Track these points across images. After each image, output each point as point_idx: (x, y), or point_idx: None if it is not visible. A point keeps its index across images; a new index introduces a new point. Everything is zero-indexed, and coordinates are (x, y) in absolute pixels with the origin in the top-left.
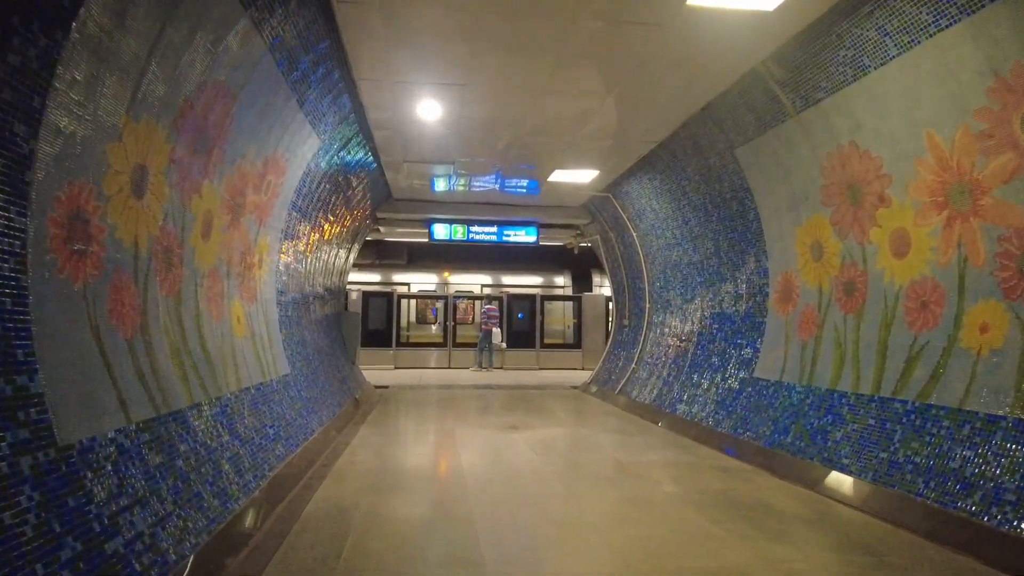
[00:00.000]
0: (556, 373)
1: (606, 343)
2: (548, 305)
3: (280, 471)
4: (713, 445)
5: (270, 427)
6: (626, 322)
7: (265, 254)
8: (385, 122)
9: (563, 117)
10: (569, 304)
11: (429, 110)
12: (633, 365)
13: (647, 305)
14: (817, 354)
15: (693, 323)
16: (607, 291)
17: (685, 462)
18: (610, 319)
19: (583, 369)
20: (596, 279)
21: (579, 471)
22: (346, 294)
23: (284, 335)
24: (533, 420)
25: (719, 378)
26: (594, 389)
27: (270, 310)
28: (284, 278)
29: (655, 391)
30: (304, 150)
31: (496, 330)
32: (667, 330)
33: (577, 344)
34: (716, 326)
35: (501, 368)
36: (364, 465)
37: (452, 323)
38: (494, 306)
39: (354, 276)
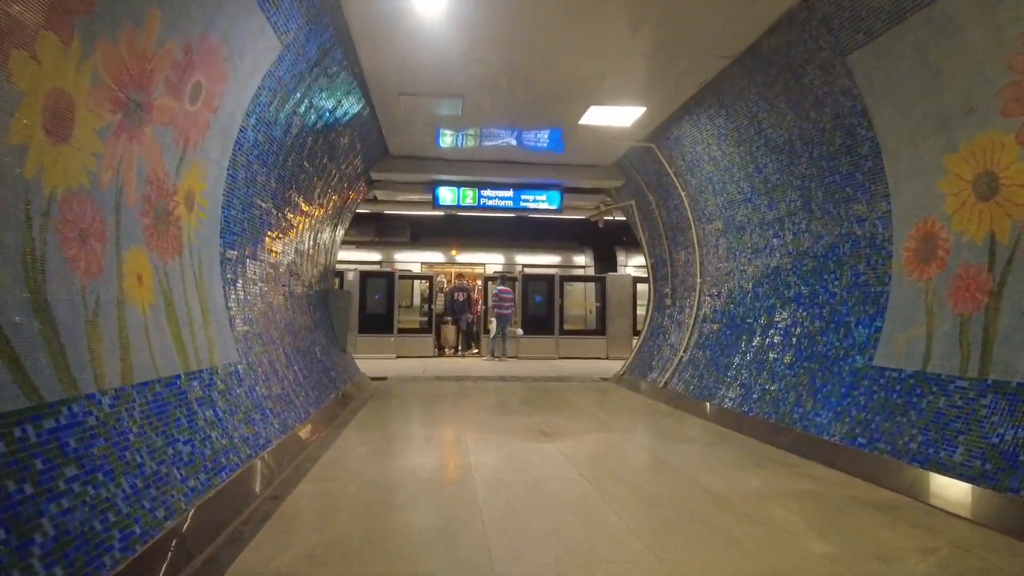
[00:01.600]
0: (579, 363)
1: (634, 329)
2: (568, 287)
3: (169, 530)
4: (824, 460)
5: (183, 443)
6: (669, 302)
7: (199, 194)
8: (371, 20)
9: (607, 25)
10: (591, 285)
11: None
12: (681, 354)
13: (698, 280)
14: (991, 334)
15: (768, 299)
16: (633, 271)
17: (806, 491)
18: (638, 302)
19: (608, 358)
20: (621, 258)
21: (658, 511)
22: (340, 274)
23: (235, 312)
24: (566, 422)
25: (816, 368)
26: (628, 381)
27: (208, 275)
28: (237, 237)
29: (721, 387)
30: (257, 52)
31: (505, 316)
32: (729, 310)
33: (600, 330)
34: (806, 301)
35: (515, 357)
36: (329, 500)
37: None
38: (508, 288)
39: (350, 254)
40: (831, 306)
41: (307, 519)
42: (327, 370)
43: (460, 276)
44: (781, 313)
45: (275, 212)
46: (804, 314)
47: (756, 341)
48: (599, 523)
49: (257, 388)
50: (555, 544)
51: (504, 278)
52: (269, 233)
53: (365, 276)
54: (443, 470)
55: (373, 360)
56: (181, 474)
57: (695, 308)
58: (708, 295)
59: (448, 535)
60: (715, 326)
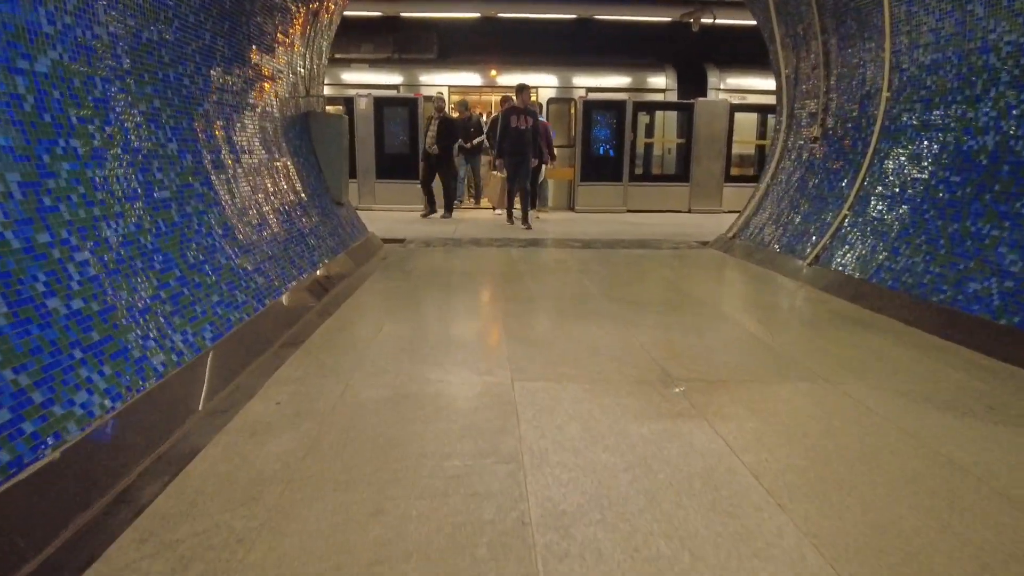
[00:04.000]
0: (653, 219)
1: (726, 174)
2: (642, 117)
3: None
4: None
5: None
6: (816, 132)
7: None
8: None
9: None
10: (673, 115)
11: None
12: (844, 211)
13: (883, 96)
14: None
15: None
16: (728, 96)
17: None
18: (733, 137)
19: (690, 211)
20: (713, 79)
21: None
22: (348, 101)
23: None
24: (702, 345)
25: None
26: (746, 249)
27: None
28: None
29: (951, 273)
30: None
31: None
32: (960, 143)
33: (683, 175)
34: None
35: (545, 212)
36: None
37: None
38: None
39: (362, 76)
40: None
41: None
42: (305, 236)
43: (515, 97)
44: None
45: None
46: None
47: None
48: None
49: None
50: None
51: (523, 114)
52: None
53: (381, 104)
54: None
55: (393, 212)
56: None
57: (874, 139)
58: (906, 114)
59: None
60: (926, 168)
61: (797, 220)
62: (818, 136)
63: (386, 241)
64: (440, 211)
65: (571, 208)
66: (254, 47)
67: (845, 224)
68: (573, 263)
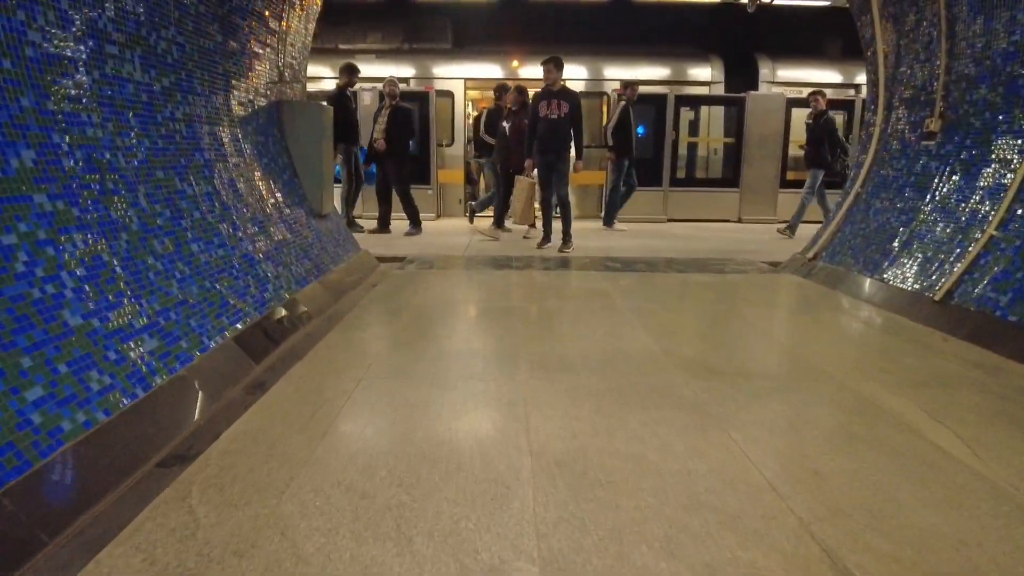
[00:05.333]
0: (701, 230)
1: (781, 177)
2: (685, 113)
3: None
4: None
5: None
6: (934, 126)
7: None
8: None
9: None
10: (721, 111)
11: None
12: (990, 231)
13: None
14: None
15: None
16: (779, 88)
17: None
18: (790, 137)
19: (740, 221)
20: (765, 70)
21: None
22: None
23: None
24: (878, 482)
25: None
26: (834, 275)
27: None
28: None
29: None
30: None
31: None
32: None
33: (732, 180)
34: None
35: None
36: None
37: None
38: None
39: (371, 68)
40: None
41: None
42: (255, 264)
43: (547, 73)
44: None
45: None
46: None
47: None
48: None
49: None
50: None
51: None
52: None
53: None
54: None
55: (397, 222)
56: None
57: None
58: None
59: None
60: None
61: (909, 240)
62: (935, 131)
63: (382, 260)
64: (403, 228)
65: (602, 216)
66: (193, 4)
67: (991, 248)
68: (617, 296)
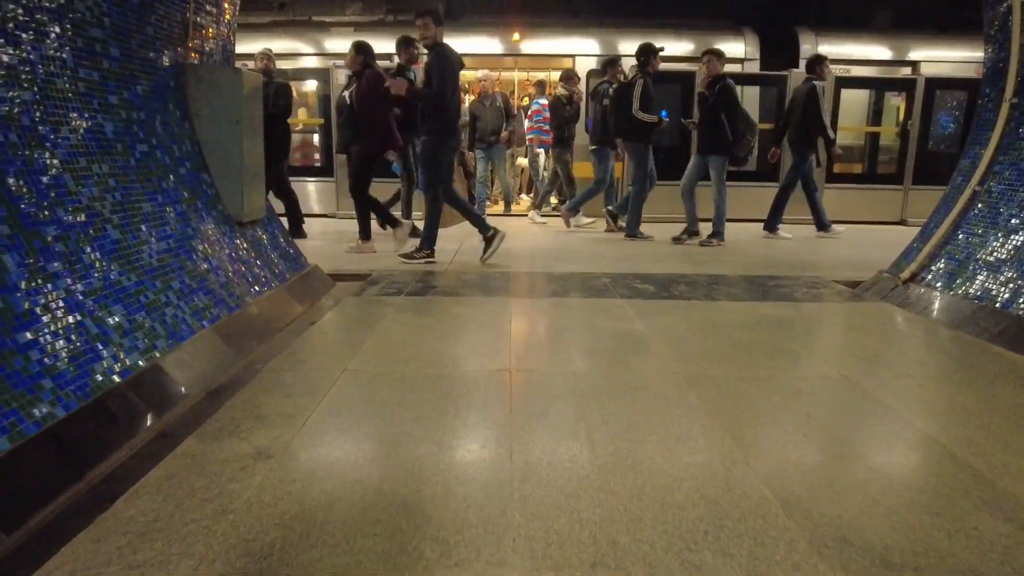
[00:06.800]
0: (737, 231)
1: (827, 170)
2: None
3: None
4: None
5: None
6: None
7: None
8: None
9: None
10: (756, 92)
11: None
12: None
13: None
14: None
15: None
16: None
17: None
18: (838, 123)
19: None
20: (806, 46)
21: None
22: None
23: None
24: None
25: None
26: (934, 301)
27: None
28: None
29: None
30: None
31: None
32: None
33: (770, 173)
34: None
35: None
36: None
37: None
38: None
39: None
40: None
41: None
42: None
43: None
44: None
45: None
46: None
47: None
48: None
49: None
50: None
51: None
52: None
53: None
54: None
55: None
56: None
57: None
58: None
59: None
60: None
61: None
62: None
63: (339, 278)
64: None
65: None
66: None
67: None
68: (660, 346)
